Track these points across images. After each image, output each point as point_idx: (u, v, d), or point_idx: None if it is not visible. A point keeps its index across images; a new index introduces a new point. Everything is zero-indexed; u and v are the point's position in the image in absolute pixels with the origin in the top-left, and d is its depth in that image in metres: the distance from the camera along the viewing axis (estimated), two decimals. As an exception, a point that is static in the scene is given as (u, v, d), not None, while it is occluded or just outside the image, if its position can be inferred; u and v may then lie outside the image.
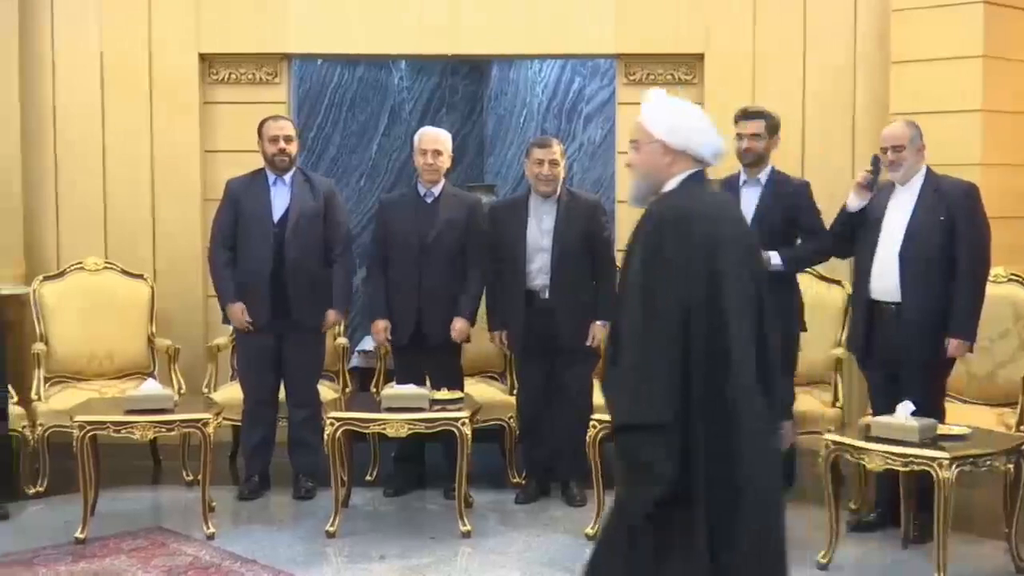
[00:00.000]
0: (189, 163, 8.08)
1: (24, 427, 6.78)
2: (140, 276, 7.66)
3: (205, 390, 7.21)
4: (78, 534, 5.97)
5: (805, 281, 6.76)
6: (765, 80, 7.84)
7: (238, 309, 6.78)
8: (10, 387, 6.93)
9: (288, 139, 6.81)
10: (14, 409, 6.78)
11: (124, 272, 7.63)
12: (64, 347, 7.31)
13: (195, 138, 8.08)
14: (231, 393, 7.05)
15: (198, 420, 6.07)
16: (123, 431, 6.03)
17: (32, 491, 6.79)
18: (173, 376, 7.30)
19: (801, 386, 6.75)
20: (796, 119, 7.68)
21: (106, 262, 7.63)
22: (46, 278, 7.46)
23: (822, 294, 7.14)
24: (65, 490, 6.63)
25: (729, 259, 3.68)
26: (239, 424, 7.03)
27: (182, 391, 7.09)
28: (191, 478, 6.90)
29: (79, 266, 7.55)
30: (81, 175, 8.01)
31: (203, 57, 8.09)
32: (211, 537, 6.02)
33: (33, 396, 6.98)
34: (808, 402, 6.81)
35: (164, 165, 8.05)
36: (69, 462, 6.25)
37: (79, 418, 6.02)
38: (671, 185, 3.84)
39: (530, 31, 8.09)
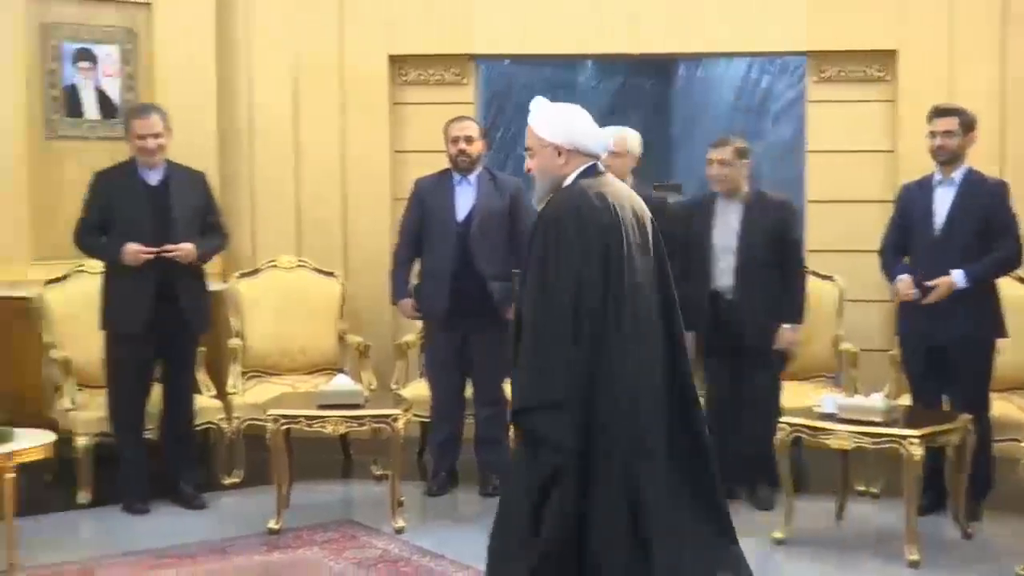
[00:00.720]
0: (379, 163, 8.22)
1: (221, 420, 6.98)
2: (331, 274, 7.82)
3: (394, 386, 7.32)
4: (272, 524, 6.12)
5: (1004, 284, 6.53)
6: (961, 76, 7.61)
7: (407, 304, 6.93)
8: (208, 380, 7.15)
9: (469, 140, 6.86)
10: (211, 402, 7.00)
11: (316, 270, 7.80)
12: (259, 342, 7.50)
13: (385, 139, 8.23)
14: (420, 390, 7.15)
15: (388, 416, 6.17)
16: (315, 425, 6.16)
17: (228, 482, 7.00)
18: (363, 372, 7.43)
19: (999, 392, 6.54)
20: (995, 117, 7.45)
21: (299, 260, 7.80)
22: (242, 275, 7.66)
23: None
24: (259, 481, 6.80)
25: (618, 244, 4.15)
26: (427, 420, 7.12)
27: (372, 387, 7.21)
28: (380, 473, 7.01)
29: (273, 264, 7.74)
30: (275, 174, 8.21)
31: (393, 59, 8.22)
32: (400, 531, 6.10)
33: (229, 390, 7.18)
34: (1005, 408, 6.60)
35: (355, 165, 8.21)
36: (263, 454, 6.42)
37: (274, 412, 6.17)
38: (568, 181, 4.31)
39: (717, 29, 8.01)
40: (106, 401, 6.64)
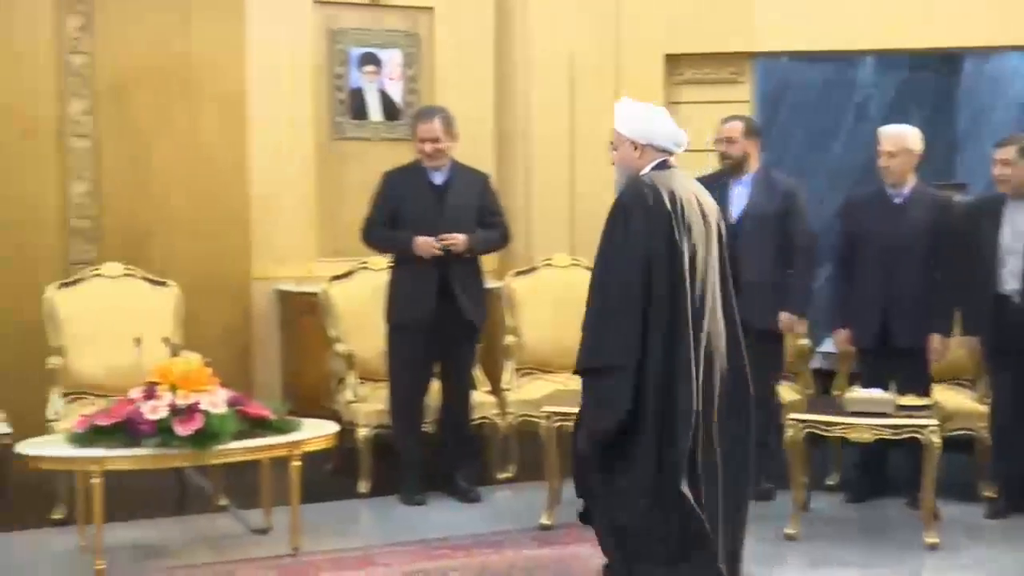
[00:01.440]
0: (653, 163, 8.20)
1: (495, 415, 7.09)
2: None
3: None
4: (543, 520, 6.19)
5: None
6: None
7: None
8: (483, 376, 7.28)
9: (731, 141, 6.77)
10: (486, 398, 7.13)
11: (589, 269, 7.80)
12: (533, 340, 7.58)
13: (659, 138, 8.20)
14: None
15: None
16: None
17: (501, 476, 7.11)
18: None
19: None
20: None
21: (573, 259, 7.86)
22: (517, 273, 7.77)
23: None
24: (531, 477, 6.88)
25: (677, 231, 4.55)
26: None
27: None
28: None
29: (548, 263, 7.82)
30: (550, 175, 8.31)
31: (669, 57, 8.19)
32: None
33: (504, 386, 7.29)
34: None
35: (629, 164, 8.21)
36: (536, 450, 6.49)
37: (547, 409, 6.24)
38: (643, 172, 4.78)
39: (1007, 20, 7.66)
40: (387, 394, 6.84)
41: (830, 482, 6.94)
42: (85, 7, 7.33)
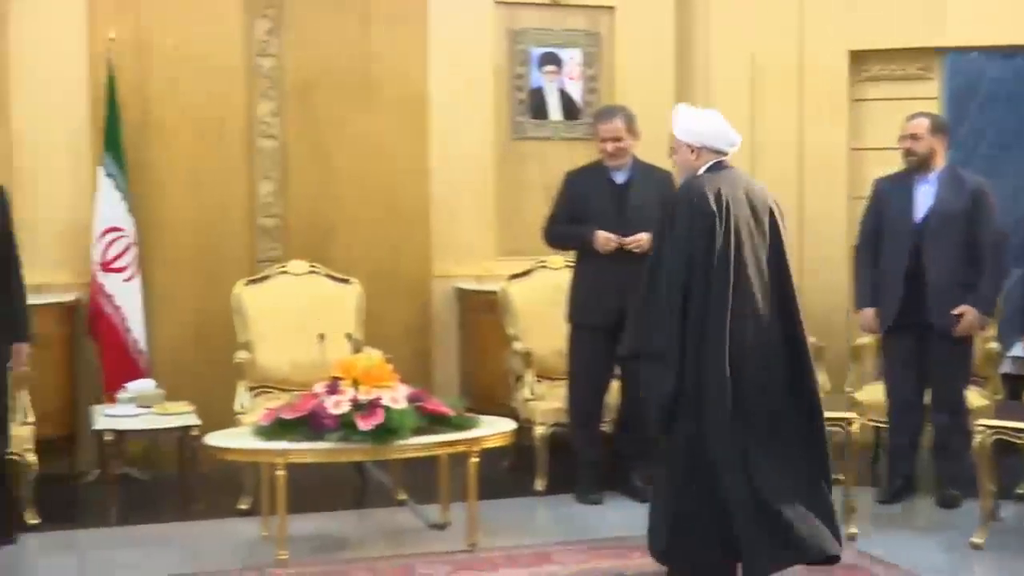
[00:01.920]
0: (836, 161, 8.07)
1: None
2: (786, 273, 7.72)
3: (848, 389, 7.15)
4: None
5: None
6: None
7: (869, 314, 6.74)
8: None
9: (916, 138, 6.60)
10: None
11: (765, 270, 7.72)
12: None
13: (843, 136, 8.08)
14: (874, 394, 6.94)
15: (842, 419, 6.02)
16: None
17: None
18: (816, 373, 7.27)
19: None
20: None
21: (753, 259, 7.75)
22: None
23: None
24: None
25: (723, 229, 4.84)
26: (882, 425, 6.91)
27: (826, 389, 7.04)
28: (832, 478, 6.84)
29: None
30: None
31: (853, 54, 8.04)
32: (852, 538, 5.94)
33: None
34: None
35: (811, 164, 8.09)
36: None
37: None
38: (699, 173, 5.07)
39: None
40: (564, 393, 6.86)
41: (1020, 491, 6.71)
42: (274, 11, 7.52)
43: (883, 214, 6.71)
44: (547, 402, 6.99)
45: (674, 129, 5.19)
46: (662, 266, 4.96)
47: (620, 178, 6.71)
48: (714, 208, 4.87)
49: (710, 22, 8.24)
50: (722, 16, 8.21)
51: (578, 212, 6.72)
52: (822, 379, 7.11)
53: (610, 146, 6.64)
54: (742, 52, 8.18)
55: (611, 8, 8.17)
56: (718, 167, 5.10)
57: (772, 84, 8.15)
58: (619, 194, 6.70)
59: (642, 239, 6.49)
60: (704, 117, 5.18)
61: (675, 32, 8.24)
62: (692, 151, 5.12)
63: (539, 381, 7.13)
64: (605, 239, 6.55)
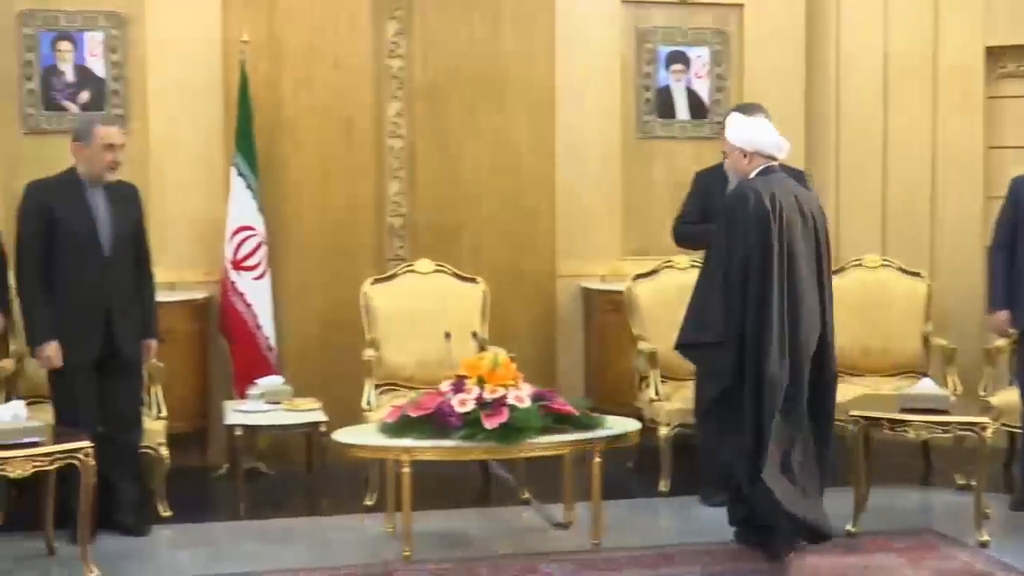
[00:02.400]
0: (971, 159, 7.92)
1: (799, 418, 6.95)
2: (917, 274, 7.58)
3: (982, 393, 6.98)
4: (849, 527, 6.03)
5: None
6: None
7: (1001, 316, 6.61)
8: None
9: None
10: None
11: (901, 269, 7.59)
12: (841, 342, 7.30)
13: (978, 133, 7.93)
14: (1008, 398, 6.77)
15: (975, 424, 5.90)
16: (897, 429, 6.00)
17: (805, 481, 6.96)
18: (948, 376, 7.14)
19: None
20: None
21: (883, 259, 7.63)
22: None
23: None
24: (836, 482, 6.65)
25: (772, 229, 5.36)
26: (1016, 430, 6.75)
27: (957, 393, 6.92)
28: (963, 483, 6.72)
29: (857, 263, 7.61)
30: (862, 173, 8.13)
31: (990, 50, 7.87)
32: (984, 545, 5.82)
33: (809, 388, 7.14)
34: None
35: (946, 161, 7.96)
36: (841, 455, 6.33)
37: (855, 413, 6.08)
38: (752, 175, 5.59)
39: None
40: (689, 394, 6.81)
41: None
42: (403, 12, 7.59)
43: (1020, 213, 6.55)
44: (672, 403, 6.95)
45: (728, 134, 5.74)
46: (718, 260, 5.50)
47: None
48: (769, 208, 5.39)
49: (841, 19, 8.13)
50: (853, 12, 8.11)
51: (707, 211, 6.67)
52: (953, 383, 7.01)
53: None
54: (874, 49, 8.06)
55: (740, 6, 8.09)
56: (768, 171, 5.60)
57: (905, 81, 8.04)
58: None
59: None
60: (756, 124, 5.73)
61: (805, 29, 8.13)
62: (745, 156, 5.64)
63: (664, 381, 7.08)
64: None
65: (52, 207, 5.89)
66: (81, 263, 5.92)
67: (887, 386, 7.08)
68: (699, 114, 8.11)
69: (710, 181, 6.71)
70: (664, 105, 8.10)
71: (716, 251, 5.56)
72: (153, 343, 6.24)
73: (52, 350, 5.87)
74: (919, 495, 6.90)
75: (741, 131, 5.69)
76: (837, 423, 6.58)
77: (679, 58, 8.10)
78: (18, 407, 5.50)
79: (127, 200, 6.11)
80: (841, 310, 7.35)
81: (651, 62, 8.07)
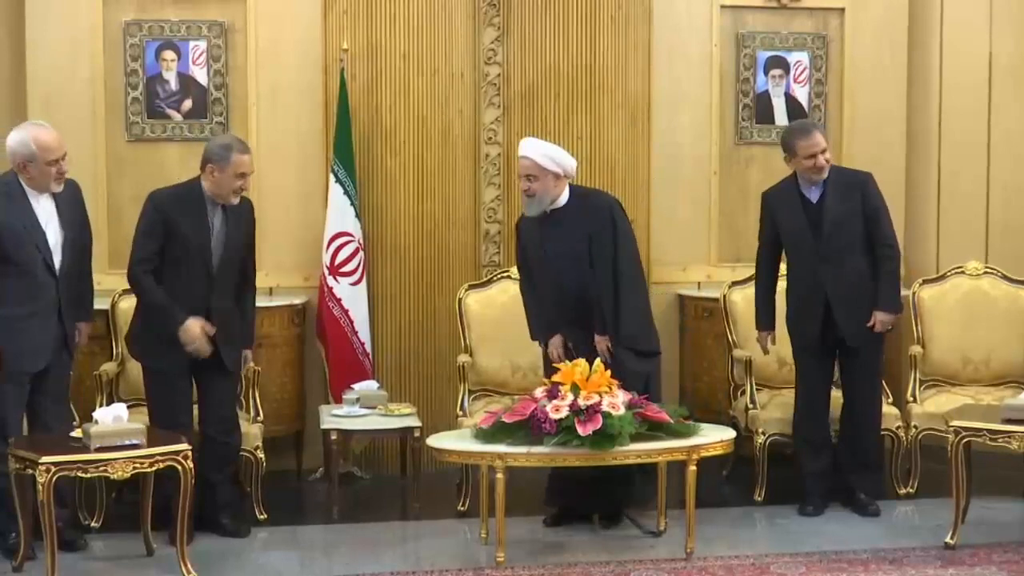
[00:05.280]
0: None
1: (898, 428, 6.85)
2: (1021, 282, 7.43)
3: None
4: (948, 539, 5.94)
5: None
6: None
7: None
8: (886, 387, 7.03)
9: None
10: (890, 409, 6.87)
11: (1005, 277, 7.44)
12: (939, 351, 7.28)
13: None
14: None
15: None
16: (1000, 440, 5.89)
17: (903, 491, 6.87)
18: (1054, 388, 7.01)
19: None
20: None
21: (986, 267, 7.49)
22: (925, 281, 7.48)
23: None
24: (935, 493, 6.62)
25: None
26: None
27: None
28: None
29: (959, 270, 7.48)
30: (964, 179, 8.01)
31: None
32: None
33: (908, 398, 7.04)
34: None
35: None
36: (939, 466, 6.25)
37: (955, 424, 5.98)
38: (563, 196, 6.24)
39: None
40: (786, 401, 6.76)
41: None
42: (500, 19, 7.61)
43: None
44: (768, 411, 6.89)
45: (539, 161, 6.13)
46: (637, 263, 6.28)
47: (815, 195, 6.53)
48: None
49: (945, 24, 8.00)
50: (958, 18, 7.98)
51: (776, 229, 6.61)
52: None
53: (816, 161, 6.45)
54: (979, 54, 7.95)
55: (841, 9, 8.00)
56: (574, 187, 6.31)
57: (1010, 84, 7.91)
58: (810, 211, 6.52)
59: None
60: (557, 148, 6.27)
61: (908, 34, 8.01)
62: (557, 179, 6.17)
63: (760, 389, 7.02)
64: None
65: (173, 220, 6.00)
66: (188, 277, 6.03)
67: (989, 396, 6.95)
68: (798, 119, 8.01)
69: (777, 200, 6.64)
70: (763, 111, 8.02)
71: (634, 249, 6.30)
72: (249, 353, 6.34)
73: (195, 326, 5.98)
74: (1021, 508, 6.76)
75: (551, 157, 6.17)
76: (935, 433, 6.53)
77: (778, 63, 8.03)
78: (119, 409, 5.60)
79: (241, 216, 6.20)
80: (941, 319, 7.32)
81: (749, 67, 8.00)
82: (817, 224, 6.48)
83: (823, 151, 6.44)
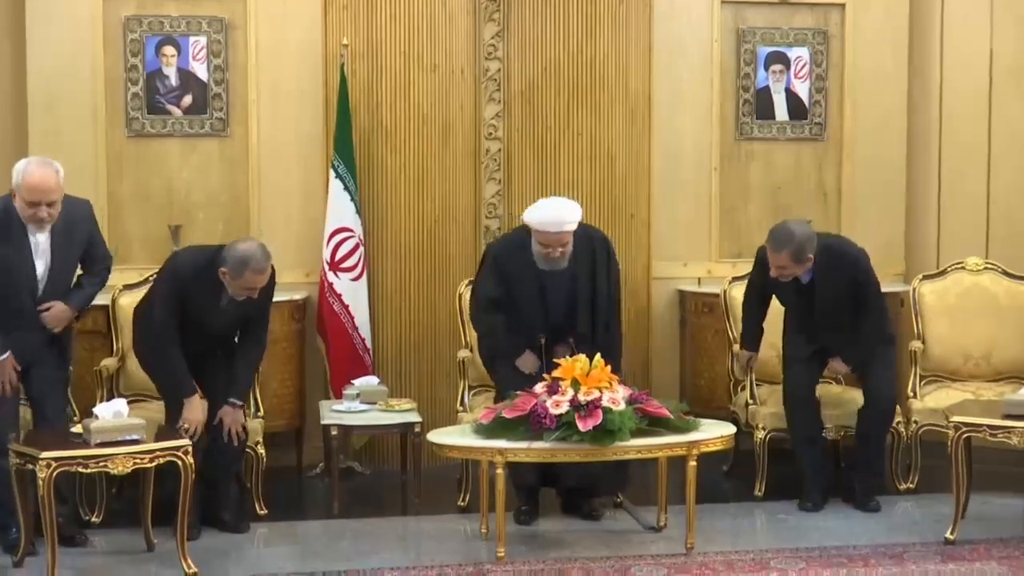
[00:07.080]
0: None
1: (899, 423, 6.85)
2: (1021, 278, 7.43)
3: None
4: (948, 535, 5.94)
5: None
6: None
7: None
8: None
9: None
10: (890, 405, 6.89)
11: (1006, 273, 7.44)
12: (939, 346, 7.28)
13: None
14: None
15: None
16: (1000, 435, 5.88)
17: (903, 487, 6.87)
18: (1045, 382, 7.01)
19: None
20: None
21: (987, 263, 7.48)
22: (925, 277, 7.47)
23: None
24: (935, 489, 6.62)
25: None
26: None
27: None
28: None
29: (959, 266, 7.48)
30: (965, 176, 8.01)
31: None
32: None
33: (908, 393, 7.04)
34: None
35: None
36: (940, 461, 6.25)
37: (955, 419, 5.98)
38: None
39: None
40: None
41: None
42: (500, 15, 7.60)
43: None
44: (768, 406, 6.88)
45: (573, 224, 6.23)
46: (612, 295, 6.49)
47: (805, 276, 6.52)
48: None
49: (946, 20, 7.99)
50: (959, 15, 7.97)
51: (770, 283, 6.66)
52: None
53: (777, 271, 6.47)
54: (980, 52, 7.94)
55: (841, 5, 7.99)
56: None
57: (1011, 82, 7.89)
58: (807, 289, 6.54)
59: None
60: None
61: (909, 31, 8.00)
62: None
63: (760, 385, 7.02)
64: None
65: (187, 297, 6.04)
66: (194, 341, 6.10)
67: (989, 392, 6.94)
68: (798, 115, 8.01)
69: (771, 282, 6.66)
70: (763, 106, 8.02)
71: (603, 281, 6.46)
72: (231, 409, 6.21)
73: (198, 405, 6.06)
74: (1022, 503, 6.75)
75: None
76: (936, 428, 6.53)
77: (779, 59, 8.02)
78: (120, 405, 5.60)
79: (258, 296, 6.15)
80: (942, 314, 7.31)
81: (750, 63, 8.00)
82: (809, 303, 6.55)
83: (781, 268, 6.41)
